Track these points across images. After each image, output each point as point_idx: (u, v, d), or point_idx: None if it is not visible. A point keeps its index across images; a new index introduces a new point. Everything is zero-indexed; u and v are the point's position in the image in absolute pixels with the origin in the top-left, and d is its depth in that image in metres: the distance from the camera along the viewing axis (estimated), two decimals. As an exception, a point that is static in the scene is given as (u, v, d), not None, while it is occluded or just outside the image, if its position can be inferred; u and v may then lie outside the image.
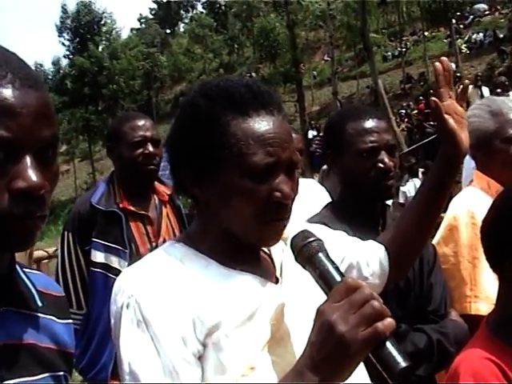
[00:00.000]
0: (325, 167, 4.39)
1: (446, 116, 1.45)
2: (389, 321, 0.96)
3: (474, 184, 2.39)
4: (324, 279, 1.07)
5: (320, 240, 1.13)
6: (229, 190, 1.15)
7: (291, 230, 1.24)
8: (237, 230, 1.19)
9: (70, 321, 1.12)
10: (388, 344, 0.96)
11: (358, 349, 0.95)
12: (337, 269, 1.08)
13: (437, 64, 1.48)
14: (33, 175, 0.87)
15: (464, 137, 1.47)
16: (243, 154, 1.14)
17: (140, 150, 2.71)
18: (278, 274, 1.25)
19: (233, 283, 1.16)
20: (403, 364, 0.95)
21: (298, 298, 1.21)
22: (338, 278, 1.06)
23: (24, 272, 1.04)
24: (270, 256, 1.28)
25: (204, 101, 1.18)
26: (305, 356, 1.01)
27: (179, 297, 1.11)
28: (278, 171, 1.16)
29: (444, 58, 1.52)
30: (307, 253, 1.10)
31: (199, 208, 1.26)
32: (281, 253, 1.26)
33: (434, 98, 1.47)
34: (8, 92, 0.87)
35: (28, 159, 0.88)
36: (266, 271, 1.24)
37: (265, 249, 1.28)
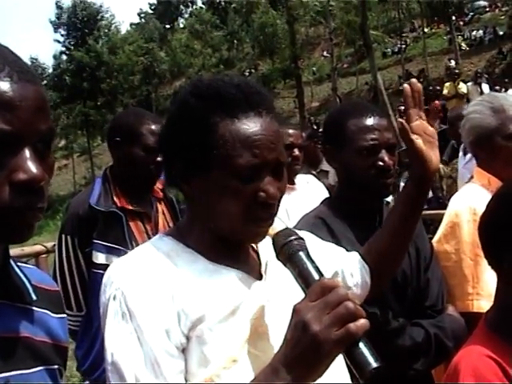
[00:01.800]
0: None
1: (414, 136, 1.53)
2: (362, 322, 0.98)
3: (475, 180, 2.38)
4: (303, 278, 1.09)
5: (301, 239, 1.15)
6: (217, 189, 1.19)
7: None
8: (224, 228, 1.22)
9: (64, 315, 1.12)
10: (361, 344, 0.98)
11: (330, 348, 0.97)
12: (316, 268, 1.10)
13: (406, 86, 1.53)
14: (33, 167, 0.87)
15: (434, 156, 1.55)
16: (230, 156, 1.17)
17: (153, 157, 2.63)
18: (262, 271, 1.27)
19: (218, 279, 1.19)
20: (374, 364, 0.97)
21: (281, 295, 1.23)
22: (317, 277, 1.07)
23: (18, 266, 1.04)
24: (256, 252, 1.31)
25: (195, 100, 1.21)
26: (280, 353, 1.03)
27: (165, 290, 1.14)
28: (264, 172, 1.19)
29: (413, 80, 1.57)
30: (288, 251, 1.13)
31: (188, 203, 1.30)
32: (267, 249, 1.28)
33: (400, 120, 1.53)
34: (6, 85, 0.87)
35: (27, 152, 0.88)
36: (251, 267, 1.27)
37: (252, 244, 1.31)
